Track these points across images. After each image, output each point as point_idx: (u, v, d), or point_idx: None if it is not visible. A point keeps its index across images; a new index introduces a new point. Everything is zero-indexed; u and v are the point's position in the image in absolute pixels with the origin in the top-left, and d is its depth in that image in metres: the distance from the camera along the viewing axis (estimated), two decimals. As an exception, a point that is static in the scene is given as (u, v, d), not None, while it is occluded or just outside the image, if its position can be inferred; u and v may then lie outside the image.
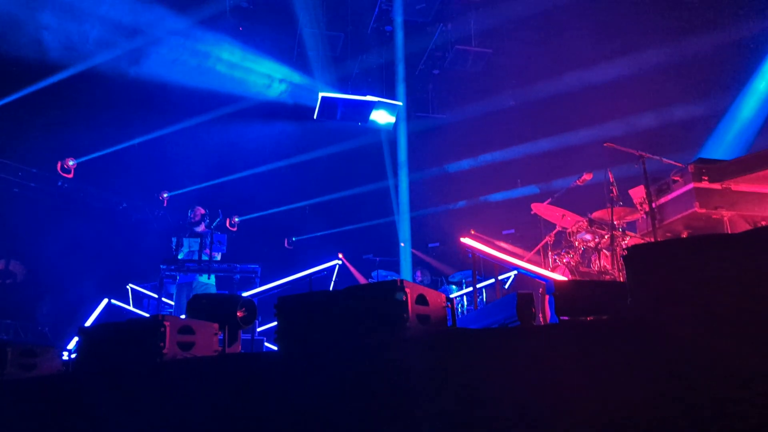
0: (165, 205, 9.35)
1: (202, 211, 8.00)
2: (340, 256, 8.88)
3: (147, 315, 8.05)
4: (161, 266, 6.92)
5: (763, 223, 5.26)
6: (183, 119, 9.90)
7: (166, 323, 3.24)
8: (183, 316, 4.18)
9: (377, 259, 10.06)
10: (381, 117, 11.19)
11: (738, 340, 2.12)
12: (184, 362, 3.23)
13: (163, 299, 7.36)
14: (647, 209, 5.62)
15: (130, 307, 8.22)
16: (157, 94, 9.39)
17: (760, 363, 2.04)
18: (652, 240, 5.49)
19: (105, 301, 7.99)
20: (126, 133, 9.54)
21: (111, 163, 9.49)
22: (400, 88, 11.32)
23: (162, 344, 3.19)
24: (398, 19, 10.53)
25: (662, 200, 5.67)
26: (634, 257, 2.50)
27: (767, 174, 5.21)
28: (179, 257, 7.31)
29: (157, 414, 3.00)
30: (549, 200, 7.02)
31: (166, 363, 3.18)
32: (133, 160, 9.84)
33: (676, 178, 5.52)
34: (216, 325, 3.62)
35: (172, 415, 2.97)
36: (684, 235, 5.64)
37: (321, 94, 10.59)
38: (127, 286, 8.51)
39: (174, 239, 7.40)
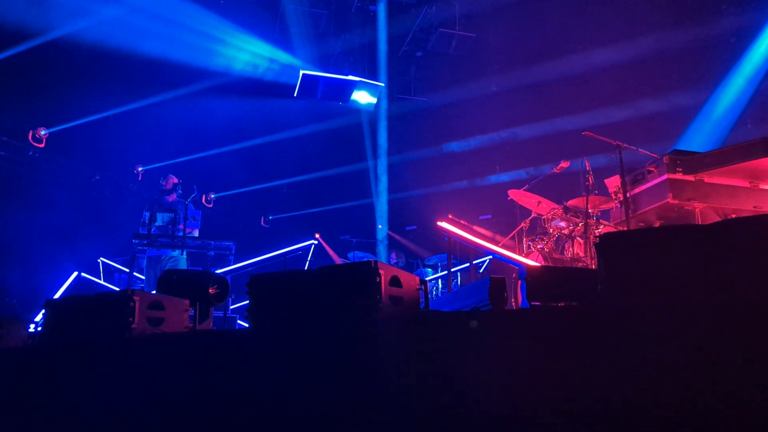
0: (140, 179, 9.21)
1: (175, 180, 7.87)
2: (317, 236, 8.86)
3: (117, 289, 7.97)
4: (133, 240, 6.82)
5: (733, 215, 5.35)
6: (160, 92, 9.73)
7: (136, 298, 3.19)
8: (154, 291, 4.13)
9: (354, 240, 10.05)
10: (362, 97, 11.12)
11: (704, 327, 2.15)
12: (153, 338, 3.20)
13: (135, 274, 7.27)
14: (622, 198, 5.68)
15: (101, 281, 8.12)
16: (134, 66, 9.20)
17: (725, 349, 2.08)
18: (625, 229, 5.56)
19: (75, 274, 7.89)
20: (100, 104, 9.33)
21: (84, 135, 9.30)
22: (382, 69, 11.26)
23: (131, 319, 3.15)
24: (383, -1, 10.46)
25: (637, 190, 5.73)
26: (605, 245, 2.53)
27: (739, 168, 5.28)
28: (152, 232, 7.21)
29: (124, 389, 2.97)
30: (526, 187, 7.06)
31: (134, 338, 3.14)
32: (107, 132, 9.65)
33: (651, 169, 5.57)
34: (187, 302, 3.58)
35: (140, 391, 2.95)
36: (656, 225, 5.71)
37: (302, 72, 10.48)
38: (99, 260, 8.39)
39: (146, 213, 7.30)
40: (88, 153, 9.79)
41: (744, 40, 9.88)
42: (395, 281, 2.92)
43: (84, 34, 8.70)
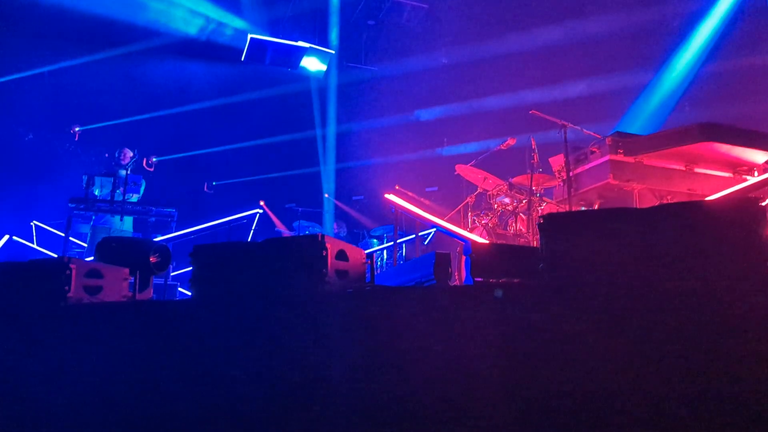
0: (76, 139, 8.82)
1: (131, 153, 7.63)
2: (262, 204, 8.75)
3: (52, 254, 7.70)
4: (70, 204, 6.57)
5: (669, 197, 5.55)
6: (100, 50, 9.30)
7: (72, 266, 3.09)
8: (90, 259, 4.01)
9: (299, 209, 9.97)
10: (312, 64, 10.95)
11: (638, 306, 2.25)
12: (90, 307, 3.11)
13: (71, 239, 7.02)
14: (565, 177, 5.81)
15: (34, 245, 7.82)
16: (73, 22, 8.76)
17: (660, 328, 2.17)
18: (567, 207, 5.70)
19: (6, 237, 7.57)
20: (35, 60, 8.87)
21: (16, 91, 8.83)
22: (333, 36, 11.08)
23: (67, 287, 3.05)
24: (335, -36, 10.26)
25: (579, 169, 5.86)
26: (548, 225, 2.59)
27: (676, 151, 5.46)
28: (90, 196, 6.96)
29: (60, 359, 2.89)
30: (473, 162, 7.14)
31: (70, 307, 3.05)
32: (42, 90, 9.19)
33: (594, 149, 5.70)
34: (126, 270, 3.49)
35: (77, 362, 2.87)
36: (597, 205, 5.88)
37: (250, 36, 10.21)
38: (31, 223, 8.07)
39: (85, 177, 7.03)
40: (21, 111, 9.31)
41: (687, 24, 10.15)
42: (341, 255, 2.92)
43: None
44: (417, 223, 7.03)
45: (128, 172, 7.38)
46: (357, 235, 10.47)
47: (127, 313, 3.05)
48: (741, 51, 9.26)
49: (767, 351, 2.04)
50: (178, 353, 2.77)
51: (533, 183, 6.35)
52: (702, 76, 9.91)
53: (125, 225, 7.13)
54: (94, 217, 7.05)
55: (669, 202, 5.42)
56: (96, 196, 7.04)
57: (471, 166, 7.06)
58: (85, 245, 7.33)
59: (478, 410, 2.29)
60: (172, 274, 7.05)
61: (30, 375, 2.88)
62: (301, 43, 10.61)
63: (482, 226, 6.58)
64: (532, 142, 6.48)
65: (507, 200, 6.67)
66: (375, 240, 9.90)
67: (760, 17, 9.06)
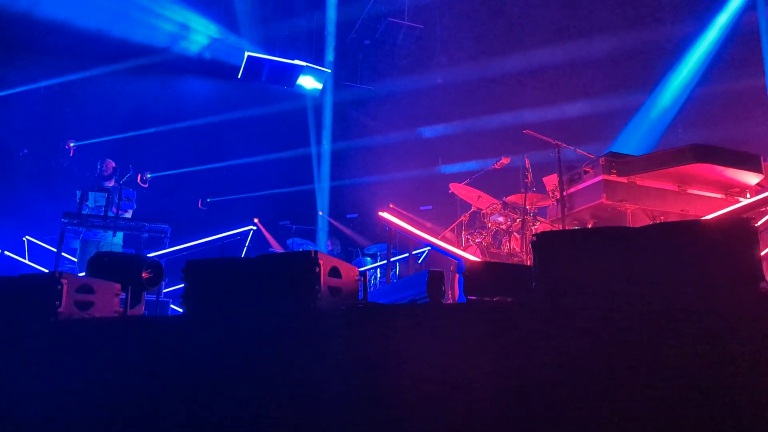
0: (71, 155, 8.81)
1: (113, 164, 7.63)
2: (256, 221, 8.72)
3: (44, 270, 7.65)
4: (63, 219, 6.54)
5: (662, 217, 5.57)
6: (97, 66, 9.34)
7: (63, 281, 3.07)
8: (82, 274, 3.98)
9: (293, 227, 9.96)
10: (308, 82, 11.02)
11: (631, 325, 2.24)
12: (81, 322, 3.08)
13: (63, 254, 6.98)
14: (558, 197, 5.83)
15: (26, 261, 7.77)
16: (70, 38, 8.79)
17: (653, 346, 2.17)
18: (561, 226, 5.71)
19: (-2, 251, 7.53)
20: (31, 74, 8.89)
21: (11, 106, 8.83)
22: (329, 55, 11.17)
23: (58, 303, 3.03)
24: (332, -16, 10.38)
25: (573, 189, 5.88)
26: (541, 244, 2.59)
27: (669, 172, 5.49)
28: (84, 211, 6.94)
29: (50, 375, 2.86)
30: (467, 181, 7.16)
31: (61, 323, 3.02)
32: (37, 105, 9.20)
33: (587, 169, 5.73)
34: (118, 286, 3.47)
35: (67, 377, 2.84)
36: (590, 224, 5.88)
37: (247, 54, 10.27)
38: (24, 238, 8.02)
39: (78, 192, 7.01)
40: (16, 126, 9.31)
41: (679, 47, 10.28)
42: (335, 272, 2.92)
43: (17, 1, 8.25)
44: (411, 242, 7.03)
45: (121, 185, 7.37)
46: (351, 253, 10.45)
47: (118, 329, 3.03)
48: (732, 74, 9.38)
49: (761, 369, 2.03)
50: (169, 370, 2.74)
51: (527, 202, 6.37)
52: (694, 99, 10.01)
53: (116, 238, 7.09)
54: (83, 232, 7.03)
55: (662, 222, 5.44)
56: (89, 210, 7.01)
57: (465, 184, 7.08)
58: (76, 260, 7.28)
59: (473, 428, 2.27)
60: (164, 290, 7.01)
61: (20, 390, 2.85)
62: (297, 62, 10.69)
63: (476, 244, 6.58)
64: (526, 162, 6.52)
65: (501, 219, 6.68)
66: (369, 258, 9.88)
67: (750, 41, 9.19)
